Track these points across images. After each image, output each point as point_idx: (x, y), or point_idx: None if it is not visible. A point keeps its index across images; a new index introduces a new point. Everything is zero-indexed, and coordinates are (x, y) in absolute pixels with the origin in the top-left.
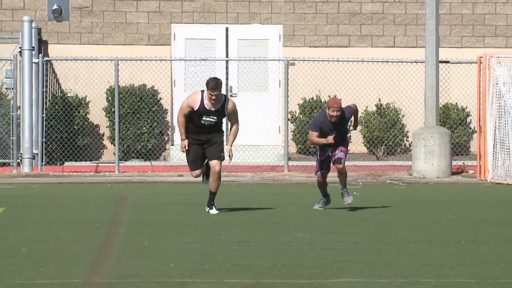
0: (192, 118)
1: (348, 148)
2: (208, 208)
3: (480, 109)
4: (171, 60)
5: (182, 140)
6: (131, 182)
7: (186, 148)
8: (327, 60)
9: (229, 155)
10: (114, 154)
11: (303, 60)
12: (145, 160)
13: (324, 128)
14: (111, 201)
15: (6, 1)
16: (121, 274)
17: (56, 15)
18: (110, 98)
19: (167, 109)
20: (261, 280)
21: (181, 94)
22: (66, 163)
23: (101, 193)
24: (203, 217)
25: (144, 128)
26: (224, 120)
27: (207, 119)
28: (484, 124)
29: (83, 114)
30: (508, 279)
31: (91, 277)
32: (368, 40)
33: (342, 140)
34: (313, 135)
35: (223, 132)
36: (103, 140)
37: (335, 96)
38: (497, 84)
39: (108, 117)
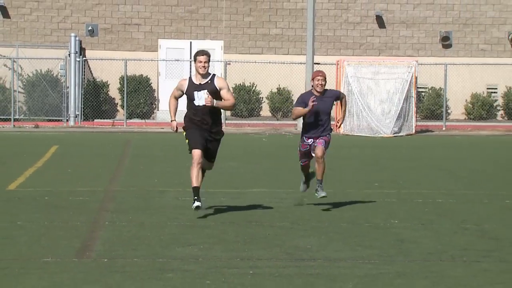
0: (188, 106)
1: (330, 139)
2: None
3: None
4: (157, 60)
5: (171, 121)
6: (133, 132)
7: (175, 128)
8: (249, 62)
9: (208, 97)
10: (123, 115)
11: (235, 62)
12: (141, 119)
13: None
14: (121, 143)
15: (61, 24)
16: (126, 185)
17: (90, 33)
18: (122, 82)
19: (155, 89)
20: (207, 190)
21: (163, 80)
22: (96, 120)
23: (115, 138)
24: (176, 152)
25: (141, 100)
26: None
27: (199, 96)
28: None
29: (105, 91)
30: (351, 188)
31: (108, 187)
32: (273, 50)
33: (325, 126)
34: (296, 109)
35: (223, 133)
36: (117, 107)
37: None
38: (347, 77)
39: (120, 94)
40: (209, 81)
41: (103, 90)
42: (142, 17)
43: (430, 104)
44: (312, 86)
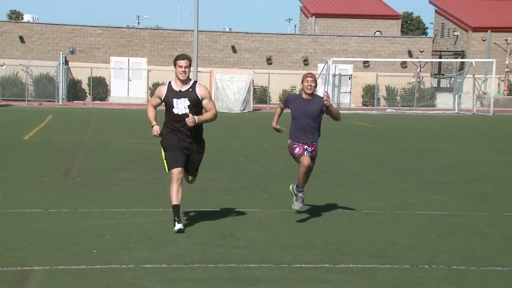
0: (167, 114)
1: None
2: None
3: (211, 91)
4: (109, 69)
5: (152, 127)
6: (95, 108)
7: (158, 132)
8: (161, 70)
9: (190, 117)
10: (90, 99)
11: (153, 70)
12: (100, 101)
13: (296, 105)
14: (89, 114)
15: (54, 47)
16: (92, 137)
17: (71, 52)
18: (89, 80)
19: (108, 84)
20: (139, 140)
21: (113, 79)
22: (74, 101)
23: (85, 112)
24: (121, 120)
25: (100, 90)
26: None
27: (179, 104)
28: (210, 93)
29: (80, 85)
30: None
31: (81, 139)
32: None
33: (313, 132)
34: (278, 107)
35: (204, 143)
36: (86, 94)
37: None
38: (215, 79)
39: (88, 87)
40: (190, 89)
41: (78, 84)
42: (101, 43)
43: (261, 95)
44: (302, 88)
